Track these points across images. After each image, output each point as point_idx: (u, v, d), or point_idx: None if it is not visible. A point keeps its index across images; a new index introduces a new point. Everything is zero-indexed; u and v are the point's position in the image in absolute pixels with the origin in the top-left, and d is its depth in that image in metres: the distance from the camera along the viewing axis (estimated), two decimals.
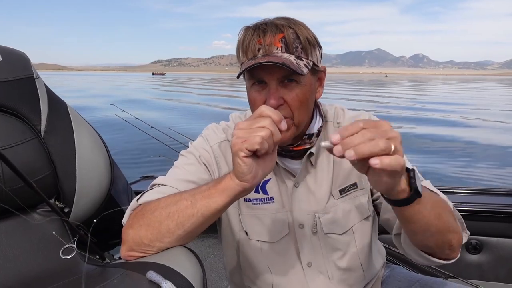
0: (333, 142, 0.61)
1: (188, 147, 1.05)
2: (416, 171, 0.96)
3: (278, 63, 0.81)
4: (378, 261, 1.11)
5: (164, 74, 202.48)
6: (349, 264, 1.00)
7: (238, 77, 0.89)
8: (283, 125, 0.72)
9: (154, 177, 0.99)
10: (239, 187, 0.75)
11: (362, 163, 0.63)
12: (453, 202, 0.93)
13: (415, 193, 0.68)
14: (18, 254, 0.94)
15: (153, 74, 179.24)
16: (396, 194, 0.68)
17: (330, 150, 0.63)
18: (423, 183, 0.91)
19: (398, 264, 1.50)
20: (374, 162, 0.58)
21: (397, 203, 0.70)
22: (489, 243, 1.71)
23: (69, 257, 0.93)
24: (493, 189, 1.96)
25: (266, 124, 0.70)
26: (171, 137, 2.97)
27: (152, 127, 3.09)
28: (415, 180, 0.67)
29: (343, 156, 0.60)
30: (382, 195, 0.72)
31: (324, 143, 0.64)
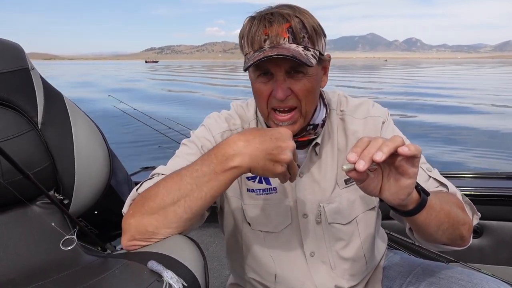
0: (352, 161, 0.63)
1: (188, 137, 1.04)
2: (423, 158, 0.97)
3: (288, 56, 0.79)
4: (380, 248, 1.11)
5: (157, 61, 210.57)
6: (352, 254, 1.00)
7: (245, 70, 0.87)
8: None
9: (154, 168, 0.98)
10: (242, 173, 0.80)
11: (375, 184, 0.70)
12: None
13: (424, 194, 0.74)
14: (19, 246, 0.94)
15: (146, 61, 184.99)
16: (411, 202, 0.73)
17: (352, 172, 0.65)
18: (431, 174, 0.92)
19: (399, 250, 1.50)
20: (403, 149, 0.63)
21: (411, 212, 0.75)
22: (490, 227, 1.71)
23: (69, 248, 0.93)
24: (493, 173, 1.97)
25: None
26: (170, 128, 2.96)
27: (150, 117, 3.07)
28: (420, 186, 0.74)
29: (369, 169, 0.65)
30: (396, 210, 0.77)
31: (346, 166, 0.65)
